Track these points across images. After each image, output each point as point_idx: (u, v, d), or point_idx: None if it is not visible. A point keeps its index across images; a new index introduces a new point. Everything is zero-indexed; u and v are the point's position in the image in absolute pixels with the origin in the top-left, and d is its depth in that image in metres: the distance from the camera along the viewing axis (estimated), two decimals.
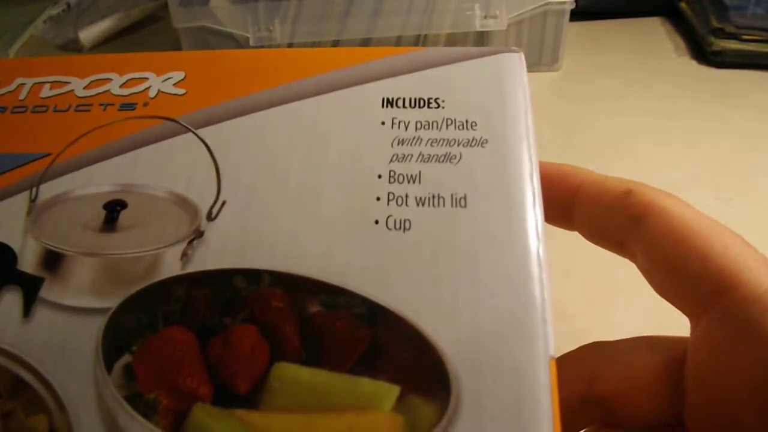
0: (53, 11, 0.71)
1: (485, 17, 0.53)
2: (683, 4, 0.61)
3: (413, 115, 0.18)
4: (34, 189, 0.17)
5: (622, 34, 0.61)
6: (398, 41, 0.54)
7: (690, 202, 0.17)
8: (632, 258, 0.18)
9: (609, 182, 0.18)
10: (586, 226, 0.19)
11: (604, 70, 0.57)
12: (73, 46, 0.65)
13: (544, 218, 0.18)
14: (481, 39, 0.55)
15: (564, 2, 0.53)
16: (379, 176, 0.17)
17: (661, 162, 0.46)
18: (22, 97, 0.20)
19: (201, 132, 0.18)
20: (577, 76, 0.56)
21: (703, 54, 0.57)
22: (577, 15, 0.56)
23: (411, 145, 0.18)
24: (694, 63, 0.57)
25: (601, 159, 0.47)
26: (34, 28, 0.69)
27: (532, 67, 0.55)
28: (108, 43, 0.66)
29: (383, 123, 0.18)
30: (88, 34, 0.64)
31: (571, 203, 0.18)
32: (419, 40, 0.54)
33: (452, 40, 0.54)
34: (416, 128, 0.18)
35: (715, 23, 0.55)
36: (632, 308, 0.36)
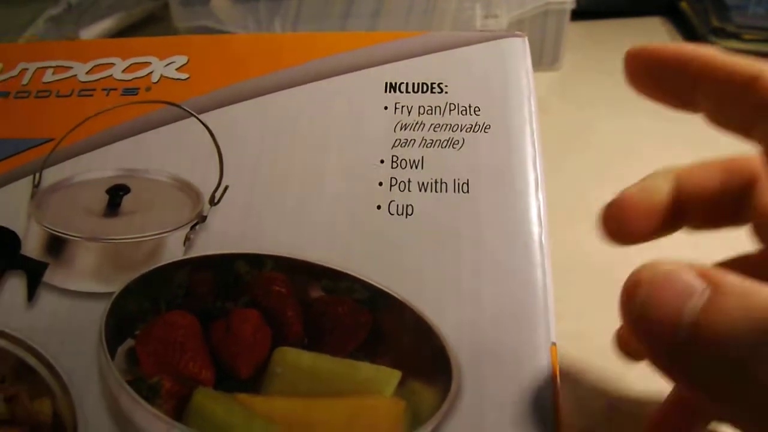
0: (54, 11, 0.71)
1: (486, 17, 0.53)
2: (684, 4, 0.61)
3: (416, 99, 0.18)
4: (38, 174, 0.18)
5: (623, 34, 0.61)
6: None
7: None
8: (757, 143, 0.17)
9: (736, 66, 0.17)
10: (710, 112, 0.18)
11: (604, 70, 0.56)
12: None
13: (668, 102, 0.18)
14: None
15: (564, 2, 0.53)
16: (382, 161, 0.17)
17: (663, 162, 0.46)
18: (25, 82, 0.20)
19: (204, 117, 0.18)
20: (578, 76, 0.56)
21: None
22: (577, 15, 0.56)
23: (414, 130, 0.18)
24: None
25: (602, 159, 0.47)
26: (35, 28, 0.69)
27: (532, 67, 0.55)
28: None
29: (386, 108, 0.18)
30: (89, 34, 0.64)
31: (694, 86, 0.18)
32: None
33: None
34: (419, 113, 0.18)
35: (715, 23, 0.55)
36: None
